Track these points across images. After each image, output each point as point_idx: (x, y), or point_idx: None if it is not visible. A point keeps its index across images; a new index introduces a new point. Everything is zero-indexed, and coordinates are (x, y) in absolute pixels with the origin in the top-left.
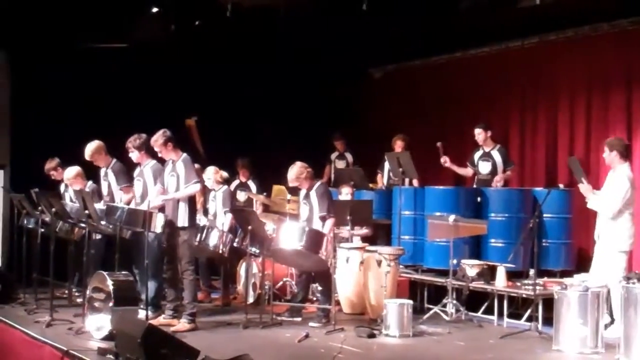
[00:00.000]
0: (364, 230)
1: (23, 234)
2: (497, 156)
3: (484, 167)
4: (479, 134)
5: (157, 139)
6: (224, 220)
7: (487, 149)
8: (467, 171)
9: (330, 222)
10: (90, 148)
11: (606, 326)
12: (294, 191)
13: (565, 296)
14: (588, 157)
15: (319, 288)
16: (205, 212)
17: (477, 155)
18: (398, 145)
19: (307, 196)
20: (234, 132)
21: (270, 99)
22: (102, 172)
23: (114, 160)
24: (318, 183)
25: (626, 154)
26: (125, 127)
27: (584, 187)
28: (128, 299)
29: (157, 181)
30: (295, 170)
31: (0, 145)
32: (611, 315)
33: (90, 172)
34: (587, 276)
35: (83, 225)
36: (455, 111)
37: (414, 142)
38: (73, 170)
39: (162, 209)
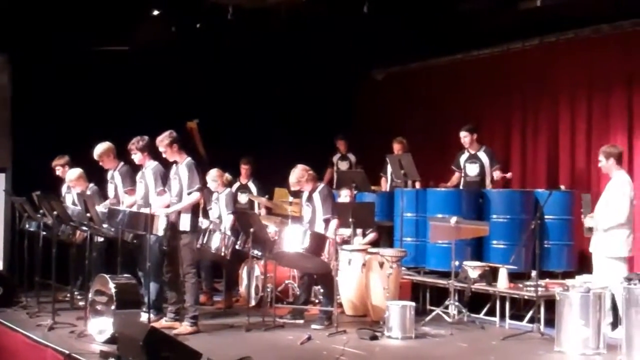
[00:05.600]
0: (370, 237)
1: (25, 237)
2: (484, 157)
3: (472, 169)
4: (465, 137)
5: (163, 139)
6: (227, 222)
7: (472, 151)
8: (455, 177)
9: (334, 223)
10: (100, 149)
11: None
12: (296, 194)
13: (567, 297)
14: (589, 158)
15: (321, 290)
16: (206, 215)
17: (463, 158)
18: (396, 148)
19: (309, 198)
20: (235, 134)
21: (271, 101)
22: (110, 174)
23: (122, 163)
24: (321, 185)
25: (621, 161)
26: (127, 130)
27: (590, 221)
28: (130, 301)
29: (158, 183)
30: (297, 174)
31: (1, 148)
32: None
33: (95, 173)
34: (589, 278)
35: (85, 228)
36: (457, 113)
37: (416, 143)
38: (75, 173)
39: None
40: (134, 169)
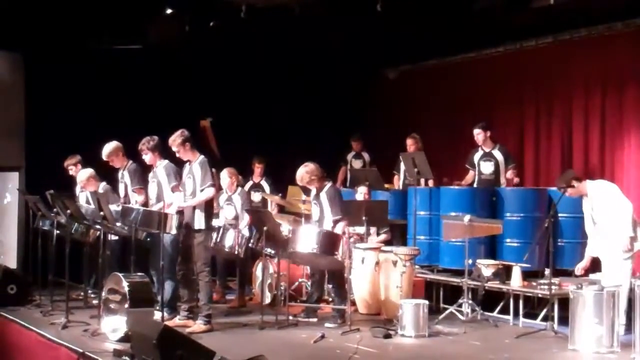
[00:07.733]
0: (383, 237)
1: (38, 236)
2: (499, 155)
3: (487, 167)
4: (479, 134)
5: (175, 139)
6: (245, 221)
7: (487, 149)
8: (469, 175)
9: (342, 225)
10: (108, 149)
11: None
12: (309, 191)
13: (580, 296)
14: (603, 156)
15: (334, 289)
16: (215, 215)
17: (477, 156)
18: (409, 144)
19: (317, 197)
20: (248, 133)
21: (284, 99)
22: (120, 173)
23: (130, 161)
24: (328, 185)
25: (579, 177)
26: (140, 129)
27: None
28: (143, 300)
29: (171, 179)
30: (300, 175)
31: (15, 147)
32: None
33: (108, 172)
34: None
35: (98, 226)
36: (470, 111)
37: (430, 142)
38: (85, 173)
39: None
40: (143, 168)
